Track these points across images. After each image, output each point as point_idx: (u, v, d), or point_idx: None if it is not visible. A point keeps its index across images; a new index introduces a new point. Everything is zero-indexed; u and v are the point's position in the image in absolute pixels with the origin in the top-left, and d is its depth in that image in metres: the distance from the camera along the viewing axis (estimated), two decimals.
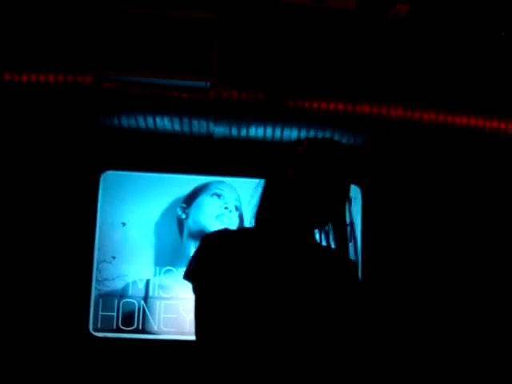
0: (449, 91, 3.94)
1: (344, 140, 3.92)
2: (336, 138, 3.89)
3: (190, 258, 3.97)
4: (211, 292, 1.54)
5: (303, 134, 3.81)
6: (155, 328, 3.88)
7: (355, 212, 4.10)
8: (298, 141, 1.69)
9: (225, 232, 1.63)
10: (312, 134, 3.83)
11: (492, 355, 3.98)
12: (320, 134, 3.85)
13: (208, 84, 3.44)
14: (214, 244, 1.58)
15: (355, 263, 1.67)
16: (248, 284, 1.52)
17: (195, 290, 1.59)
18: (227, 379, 1.48)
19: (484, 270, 4.11)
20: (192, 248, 3.96)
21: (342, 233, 1.64)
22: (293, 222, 1.60)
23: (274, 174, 1.64)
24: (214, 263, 1.55)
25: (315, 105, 3.68)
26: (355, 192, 4.12)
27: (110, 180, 3.98)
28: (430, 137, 3.90)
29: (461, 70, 3.98)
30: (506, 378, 3.91)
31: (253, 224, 1.65)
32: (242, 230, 1.65)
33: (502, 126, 3.83)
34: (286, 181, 1.60)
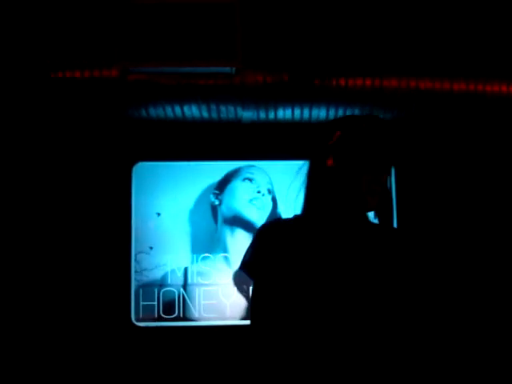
0: (478, 59, 3.85)
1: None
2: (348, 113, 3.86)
3: (226, 243, 3.99)
4: (270, 284, 1.54)
5: (332, 112, 3.78)
6: (196, 315, 3.92)
7: None
8: (333, 123, 1.64)
9: (278, 222, 1.65)
10: (341, 112, 3.79)
11: None
12: (349, 112, 3.82)
13: (233, 69, 3.42)
14: (268, 235, 1.59)
15: (406, 237, 1.64)
16: (305, 273, 1.51)
17: (252, 284, 1.60)
18: (287, 366, 1.49)
19: None
20: (227, 233, 3.98)
21: (389, 210, 1.63)
22: (341, 209, 1.58)
23: (314, 163, 1.62)
24: (269, 255, 1.56)
25: (342, 82, 3.64)
26: None
27: (142, 171, 4.01)
28: (460, 107, 3.82)
29: (489, 37, 3.88)
30: None
31: (300, 211, 1.63)
32: (293, 219, 1.63)
33: None
34: (326, 171, 1.58)
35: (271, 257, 1.55)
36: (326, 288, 1.50)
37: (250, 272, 1.61)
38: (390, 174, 1.63)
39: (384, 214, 1.62)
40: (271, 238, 1.58)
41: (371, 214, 1.63)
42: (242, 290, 3.90)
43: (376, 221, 1.63)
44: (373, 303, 1.50)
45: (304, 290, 1.51)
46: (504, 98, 3.76)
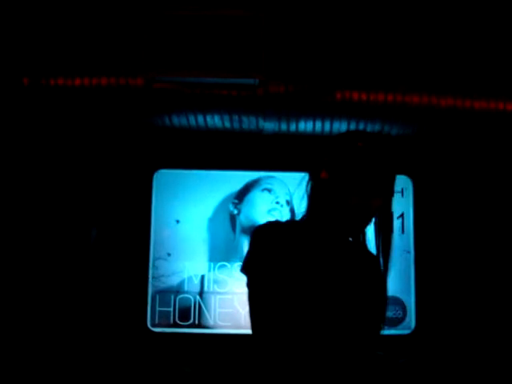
0: (499, 78, 3.87)
1: (394, 131, 3.91)
2: (386, 129, 3.88)
3: (243, 253, 4.01)
4: (260, 282, 1.58)
5: (352, 126, 3.81)
6: (211, 322, 3.96)
7: (406, 203, 4.08)
8: (336, 137, 1.65)
9: (273, 224, 1.67)
10: (361, 126, 3.83)
11: None
12: (369, 126, 3.85)
13: (257, 81, 3.47)
14: (262, 236, 1.62)
15: (376, 258, 1.65)
16: (292, 276, 1.55)
17: (247, 282, 1.62)
18: (279, 364, 1.53)
19: None
20: (245, 243, 4.01)
21: (387, 229, 1.63)
22: (333, 222, 1.59)
23: (312, 174, 1.64)
24: (262, 255, 1.59)
25: (364, 96, 3.67)
26: (406, 183, 4.10)
27: (163, 178, 4.07)
28: (481, 125, 3.84)
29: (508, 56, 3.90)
30: None
31: (303, 216, 1.67)
32: (290, 222, 1.70)
33: None
34: (321, 183, 1.59)
35: (261, 258, 1.59)
36: (306, 290, 1.53)
37: (245, 272, 1.64)
38: (386, 200, 1.59)
39: (382, 238, 1.63)
40: (263, 240, 1.61)
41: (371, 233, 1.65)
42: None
43: (374, 240, 1.65)
44: (345, 309, 1.54)
45: (287, 290, 1.54)
46: None
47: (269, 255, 1.59)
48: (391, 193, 1.61)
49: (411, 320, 3.99)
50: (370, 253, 1.66)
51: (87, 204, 4.00)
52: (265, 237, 1.62)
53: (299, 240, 1.60)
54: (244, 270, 1.65)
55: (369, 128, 3.88)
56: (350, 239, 1.65)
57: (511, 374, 3.83)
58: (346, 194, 1.54)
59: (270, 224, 1.67)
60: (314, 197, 1.62)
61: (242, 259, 1.67)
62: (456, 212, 4.08)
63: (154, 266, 3.99)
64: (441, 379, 3.81)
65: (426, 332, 3.95)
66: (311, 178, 1.64)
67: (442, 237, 4.04)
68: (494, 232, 4.05)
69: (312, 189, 1.63)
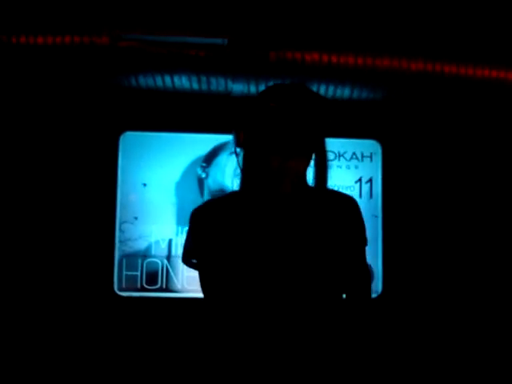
0: (470, 43, 3.86)
1: (364, 95, 3.88)
2: (356, 93, 3.85)
3: None
4: (213, 262, 1.54)
5: (322, 89, 3.77)
6: (179, 286, 3.93)
7: (375, 168, 4.08)
8: (258, 96, 1.57)
9: (209, 203, 1.62)
10: (331, 89, 3.79)
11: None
12: (339, 90, 3.82)
13: (225, 41, 3.40)
14: (202, 217, 1.58)
15: (351, 199, 1.62)
16: (244, 243, 1.52)
17: (197, 266, 1.59)
18: (240, 332, 1.52)
19: (505, 230, 4.08)
20: None
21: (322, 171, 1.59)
22: (261, 187, 1.55)
23: (235, 139, 1.60)
24: (207, 235, 1.55)
25: (334, 59, 3.63)
26: (375, 147, 4.09)
27: (130, 141, 3.99)
28: (450, 90, 3.83)
29: (481, 21, 3.88)
30: None
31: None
32: (225, 195, 1.63)
33: None
34: (241, 147, 1.56)
35: (209, 236, 1.54)
36: (264, 255, 1.51)
37: (193, 257, 1.60)
38: (309, 157, 1.53)
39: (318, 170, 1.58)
40: (205, 219, 1.56)
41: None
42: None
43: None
44: (305, 264, 1.52)
45: (244, 260, 1.51)
46: (491, 82, 3.79)
47: (214, 232, 1.53)
48: (320, 152, 1.55)
49: (378, 284, 4.03)
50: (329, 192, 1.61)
51: (51, 165, 3.91)
52: (204, 217, 1.57)
53: (238, 210, 1.55)
54: (191, 256, 1.60)
55: (338, 92, 3.85)
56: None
57: (472, 333, 3.91)
58: (264, 156, 1.49)
59: (206, 204, 1.63)
60: (240, 162, 1.57)
61: (183, 247, 1.62)
62: (424, 177, 4.10)
63: (120, 229, 3.93)
64: (406, 342, 3.87)
65: (392, 296, 3.99)
66: (236, 144, 1.59)
67: (410, 202, 4.06)
68: (461, 196, 4.09)
69: (238, 155, 1.58)
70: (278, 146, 1.48)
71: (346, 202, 1.61)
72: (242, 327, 1.52)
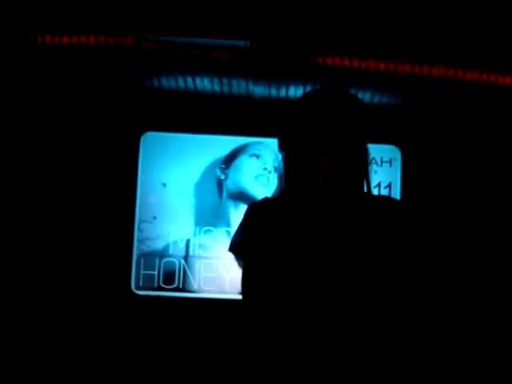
0: (493, 51, 3.84)
1: (384, 100, 3.89)
2: (376, 97, 3.86)
3: (229, 218, 3.96)
4: (260, 265, 1.51)
5: None
6: (195, 286, 3.95)
7: (394, 173, 4.08)
8: (289, 104, 1.60)
9: (265, 202, 1.60)
10: (354, 91, 3.79)
11: None
12: (360, 94, 3.82)
13: (248, 43, 3.43)
14: (256, 215, 1.56)
15: (400, 205, 1.56)
16: (295, 252, 1.48)
17: (242, 262, 1.57)
18: (279, 343, 1.47)
19: None
20: (231, 208, 4.00)
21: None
22: (303, 190, 1.52)
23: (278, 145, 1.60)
24: (258, 235, 1.52)
25: (355, 63, 3.64)
26: (394, 153, 4.09)
27: (151, 141, 4.02)
28: (471, 96, 3.83)
29: (505, 29, 3.87)
30: None
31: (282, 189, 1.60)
32: (279, 197, 1.61)
33: None
34: (281, 150, 1.56)
35: (260, 237, 1.52)
36: (317, 266, 1.46)
37: (239, 253, 1.59)
38: (345, 156, 1.50)
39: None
40: (259, 218, 1.54)
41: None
42: (242, 265, 3.93)
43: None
44: (363, 279, 1.46)
45: (295, 268, 1.47)
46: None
47: (267, 234, 1.51)
48: (357, 153, 1.53)
49: None
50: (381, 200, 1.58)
51: (73, 164, 3.95)
52: (259, 216, 1.55)
53: (284, 213, 1.52)
54: (236, 251, 1.60)
55: (359, 96, 3.85)
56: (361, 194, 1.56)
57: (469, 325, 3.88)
58: (298, 158, 1.49)
59: (261, 202, 1.60)
60: (283, 168, 1.57)
61: (232, 237, 1.62)
62: (443, 183, 4.08)
63: (139, 229, 3.97)
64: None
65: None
66: (281, 148, 1.58)
67: (429, 207, 4.04)
68: (480, 202, 4.06)
69: (283, 159, 1.58)
70: (307, 145, 1.48)
71: (393, 208, 1.55)
72: (280, 334, 1.47)
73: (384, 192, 4.04)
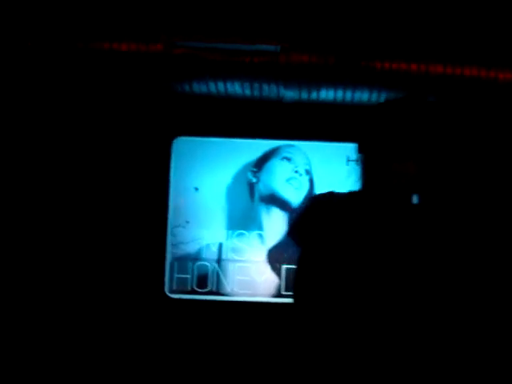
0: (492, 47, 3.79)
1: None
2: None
3: (261, 222, 3.97)
4: (315, 255, 1.55)
5: (374, 96, 3.76)
6: (228, 290, 3.98)
7: None
8: (374, 108, 1.63)
9: (331, 195, 1.64)
10: (383, 96, 3.78)
11: None
12: (392, 97, 3.80)
13: (278, 48, 3.43)
14: (320, 207, 1.60)
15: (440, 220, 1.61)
16: (351, 251, 1.51)
17: (299, 251, 1.61)
18: (329, 342, 1.49)
19: None
20: (263, 211, 4.01)
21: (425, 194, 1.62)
22: (383, 193, 1.57)
23: (359, 147, 1.65)
24: (319, 227, 1.56)
25: (387, 65, 3.62)
26: None
27: (182, 146, 4.06)
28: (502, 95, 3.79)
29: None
30: None
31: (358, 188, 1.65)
32: (347, 194, 1.65)
33: None
34: (365, 154, 1.60)
35: (320, 229, 1.56)
36: (370, 268, 1.49)
37: (297, 239, 1.63)
38: (419, 161, 1.55)
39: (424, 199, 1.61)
40: (323, 210, 1.58)
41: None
42: (274, 267, 3.94)
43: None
44: (414, 286, 1.49)
45: (348, 267, 1.50)
46: None
47: (328, 228, 1.55)
48: (431, 156, 1.58)
49: None
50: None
51: (107, 169, 4.00)
52: (324, 208, 1.59)
53: (355, 213, 1.57)
54: (296, 236, 1.64)
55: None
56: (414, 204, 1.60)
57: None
58: (386, 162, 1.53)
59: (328, 194, 1.64)
60: (364, 169, 1.61)
61: (292, 223, 1.70)
62: (445, 180, 4.01)
63: (172, 233, 4.00)
64: None
65: None
66: (360, 151, 1.64)
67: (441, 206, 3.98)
68: (485, 201, 4.00)
69: (362, 161, 1.62)
70: (398, 149, 1.53)
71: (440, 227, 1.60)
72: (335, 333, 1.50)
73: None
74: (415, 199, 1.62)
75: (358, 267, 1.51)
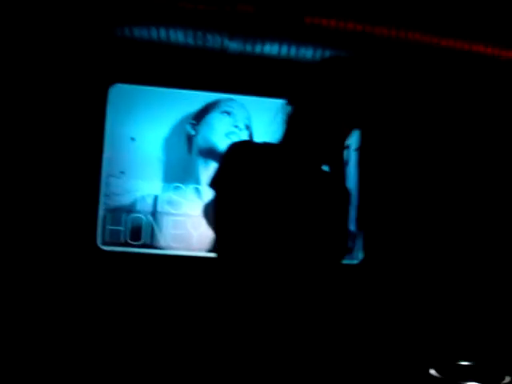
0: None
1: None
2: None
3: (199, 175, 3.96)
4: (228, 199, 1.62)
5: (318, 53, 3.73)
6: (162, 243, 3.92)
7: (352, 138, 4.07)
8: (314, 65, 1.68)
9: (246, 143, 1.71)
10: (327, 53, 3.75)
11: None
12: (334, 54, 3.79)
13: None
14: (235, 154, 1.64)
15: (347, 191, 1.71)
16: (258, 196, 1.59)
17: (215, 197, 1.66)
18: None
19: (487, 204, 4.13)
20: (201, 165, 3.94)
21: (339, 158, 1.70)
22: (306, 148, 1.63)
23: (291, 100, 1.69)
24: (233, 172, 1.62)
25: (333, 23, 3.59)
26: None
27: (119, 93, 3.90)
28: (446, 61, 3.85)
29: None
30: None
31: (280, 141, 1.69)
32: (265, 144, 1.68)
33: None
34: (299, 109, 1.65)
35: (233, 173, 1.62)
36: (270, 210, 1.59)
37: (216, 188, 1.66)
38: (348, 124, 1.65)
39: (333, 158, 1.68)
40: (238, 157, 1.62)
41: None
42: (211, 222, 3.90)
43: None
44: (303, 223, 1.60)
45: (253, 208, 1.59)
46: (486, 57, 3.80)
47: (240, 174, 1.60)
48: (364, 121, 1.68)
49: (359, 251, 4.06)
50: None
51: (39, 115, 3.82)
52: (238, 155, 1.62)
53: (270, 163, 1.61)
54: (213, 185, 1.66)
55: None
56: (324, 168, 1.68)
57: (451, 301, 3.99)
58: (320, 120, 1.58)
59: (243, 143, 1.69)
60: (291, 123, 1.65)
61: (212, 175, 1.67)
62: (404, 148, 4.11)
63: (106, 183, 3.88)
64: (384, 307, 3.93)
65: (372, 263, 4.03)
66: (290, 104, 1.67)
67: (386, 172, 4.07)
68: (443, 167, 4.12)
69: (290, 115, 1.66)
70: (336, 111, 1.58)
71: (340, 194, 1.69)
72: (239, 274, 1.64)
73: (354, 155, 4.04)
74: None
75: (259, 209, 1.59)
